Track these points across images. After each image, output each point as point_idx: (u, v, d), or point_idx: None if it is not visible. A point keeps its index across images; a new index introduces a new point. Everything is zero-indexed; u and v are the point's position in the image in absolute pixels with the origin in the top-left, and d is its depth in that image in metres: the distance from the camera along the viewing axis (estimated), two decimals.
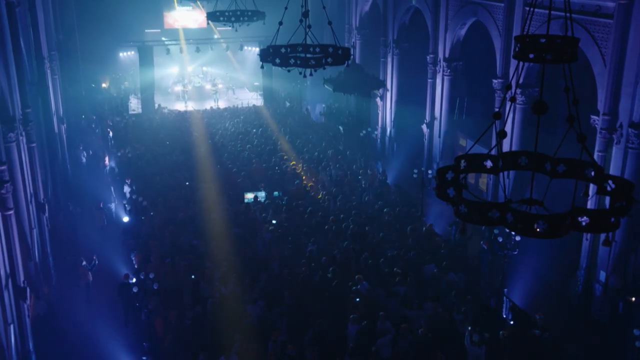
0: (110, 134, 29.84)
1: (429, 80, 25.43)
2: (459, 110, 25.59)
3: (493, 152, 7.23)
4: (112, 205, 22.63)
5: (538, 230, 5.80)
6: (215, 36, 36.09)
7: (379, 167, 25.52)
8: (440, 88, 24.67)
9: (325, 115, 34.67)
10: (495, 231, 17.20)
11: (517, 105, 19.19)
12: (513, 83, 7.79)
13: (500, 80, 20.13)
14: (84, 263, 17.45)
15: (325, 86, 27.39)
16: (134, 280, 16.22)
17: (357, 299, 14.06)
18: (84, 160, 27.55)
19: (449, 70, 24.14)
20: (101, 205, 21.63)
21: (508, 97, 7.94)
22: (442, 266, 15.78)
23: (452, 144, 25.19)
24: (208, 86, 40.30)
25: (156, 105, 35.17)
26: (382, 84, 28.96)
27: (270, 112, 33.12)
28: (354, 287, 14.51)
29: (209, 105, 36.29)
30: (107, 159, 26.88)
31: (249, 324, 13.53)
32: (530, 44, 6.45)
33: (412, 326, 13.19)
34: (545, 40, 6.41)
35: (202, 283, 15.38)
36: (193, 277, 15.59)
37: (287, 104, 36.16)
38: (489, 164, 7.08)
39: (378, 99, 30.45)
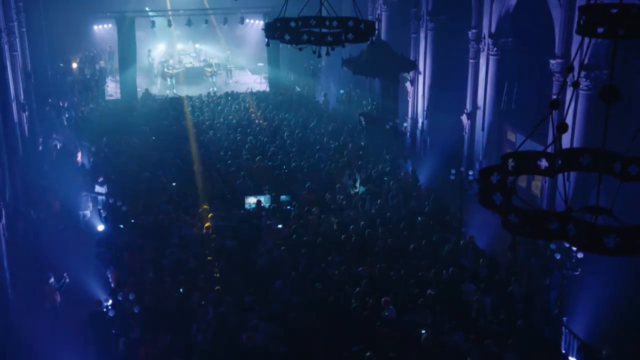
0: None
1: (471, 61, 25.33)
2: (507, 97, 25.46)
3: (550, 149, 7.17)
4: (87, 212, 22.77)
5: (608, 245, 5.72)
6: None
7: (408, 167, 25.48)
8: (484, 70, 24.57)
9: (343, 102, 34.71)
10: (552, 246, 17.08)
11: (581, 92, 19.03)
12: (576, 64, 7.73)
13: (559, 60, 20.00)
14: (52, 281, 17.54)
15: (344, 68, 27.37)
16: (110, 302, 16.28)
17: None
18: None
19: (495, 49, 24.03)
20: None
21: (569, 82, 7.87)
22: (480, 287, 15.72)
23: (498, 139, 25.07)
24: (201, 65, 40.48)
25: (140, 91, 35.31)
26: (413, 66, 28.89)
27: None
28: (385, 313, 14.49)
29: (204, 90, 36.43)
30: (79, 154, 27.09)
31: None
32: (599, 16, 6.38)
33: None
34: (618, 10, 6.34)
35: (194, 305, 15.45)
36: (180, 293, 15.65)
37: (297, 89, 36.24)
38: (544, 163, 7.02)
39: (408, 84, 30.37)
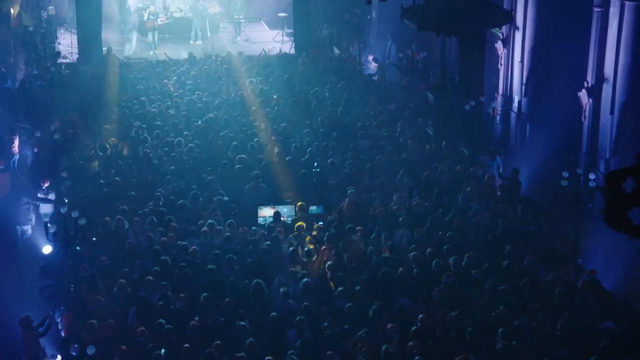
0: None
1: (596, 10, 25.09)
2: None
3: None
4: (28, 228, 22.95)
5: None
6: None
7: (498, 166, 25.42)
8: (616, 25, 24.31)
9: (402, 72, 34.75)
10: None
11: None
12: None
13: None
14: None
15: (405, 21, 27.40)
16: (59, 358, 16.45)
17: None
18: None
19: None
20: None
21: None
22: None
23: (635, 127, 24.83)
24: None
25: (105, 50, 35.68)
26: (509, 18, 28.76)
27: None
28: None
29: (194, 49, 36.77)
30: (16, 141, 27.35)
31: None
32: None
33: None
34: None
35: None
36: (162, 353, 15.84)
37: (336, 50, 36.34)
38: None
39: (499, 45, 30.29)
